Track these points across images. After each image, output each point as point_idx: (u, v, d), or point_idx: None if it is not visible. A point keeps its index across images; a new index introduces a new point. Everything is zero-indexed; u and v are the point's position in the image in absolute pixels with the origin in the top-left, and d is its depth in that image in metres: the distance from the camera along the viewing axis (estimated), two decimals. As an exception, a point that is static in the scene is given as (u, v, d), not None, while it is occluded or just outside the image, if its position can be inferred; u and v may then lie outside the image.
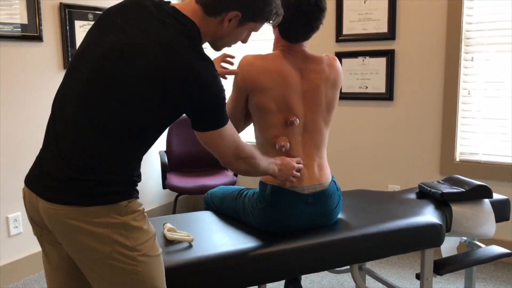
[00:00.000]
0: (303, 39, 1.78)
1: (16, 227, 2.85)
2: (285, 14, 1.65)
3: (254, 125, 1.86)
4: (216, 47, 1.47)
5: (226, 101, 1.54)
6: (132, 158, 1.32)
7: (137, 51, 1.25)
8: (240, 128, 1.89)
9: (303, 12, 1.71)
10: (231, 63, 1.83)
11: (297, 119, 1.77)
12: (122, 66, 1.25)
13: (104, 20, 1.35)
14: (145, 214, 1.37)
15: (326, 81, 1.81)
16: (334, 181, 1.92)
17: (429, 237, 1.94)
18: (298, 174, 1.75)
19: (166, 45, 1.25)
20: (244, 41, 1.48)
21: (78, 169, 1.26)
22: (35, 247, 2.98)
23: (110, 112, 1.26)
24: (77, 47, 3.09)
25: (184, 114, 1.37)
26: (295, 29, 1.74)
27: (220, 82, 1.32)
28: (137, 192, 1.35)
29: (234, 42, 1.46)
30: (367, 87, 3.34)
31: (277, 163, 1.69)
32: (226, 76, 1.80)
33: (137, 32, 1.27)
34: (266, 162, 1.62)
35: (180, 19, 1.30)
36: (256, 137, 1.88)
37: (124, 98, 1.25)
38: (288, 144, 1.78)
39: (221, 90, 1.32)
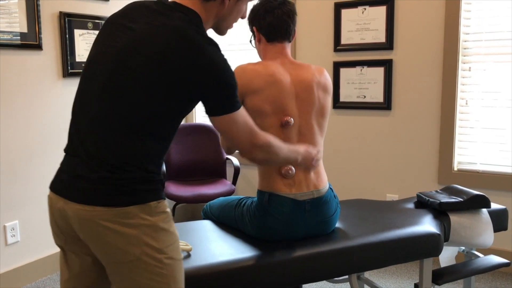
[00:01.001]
0: (286, 33, 1.89)
1: (14, 235, 2.85)
2: (266, 18, 1.84)
3: None
4: (220, 30, 1.52)
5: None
6: (158, 153, 1.35)
7: (149, 41, 1.29)
8: None
9: (278, 9, 1.86)
10: None
11: (292, 119, 1.81)
12: (138, 58, 1.28)
13: (109, 25, 1.40)
14: (172, 216, 1.40)
15: (318, 84, 1.87)
16: (331, 188, 1.93)
17: (427, 246, 1.94)
18: (319, 160, 1.78)
19: (175, 31, 1.29)
20: (244, 16, 1.53)
21: (110, 168, 1.28)
22: (33, 256, 2.97)
23: (133, 105, 1.28)
24: (76, 55, 3.10)
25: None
26: (277, 25, 1.86)
27: (229, 65, 1.36)
28: (163, 192, 1.38)
29: (236, 19, 1.51)
30: (365, 97, 3.35)
31: (299, 152, 1.66)
32: None
33: (145, 26, 1.32)
34: (286, 150, 1.59)
35: (182, 10, 1.36)
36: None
37: (144, 89, 1.28)
38: None
39: (232, 73, 1.36)
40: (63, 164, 1.38)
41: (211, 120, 1.40)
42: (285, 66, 1.86)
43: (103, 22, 3.26)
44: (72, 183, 1.31)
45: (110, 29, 1.38)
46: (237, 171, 3.54)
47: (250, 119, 1.45)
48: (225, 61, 1.34)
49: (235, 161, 3.58)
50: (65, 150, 1.40)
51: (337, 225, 2.02)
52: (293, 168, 1.82)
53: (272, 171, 1.84)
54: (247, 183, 3.88)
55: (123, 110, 1.29)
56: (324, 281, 2.88)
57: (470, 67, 3.06)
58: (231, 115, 1.38)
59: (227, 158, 3.71)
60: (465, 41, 3.05)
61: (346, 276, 2.41)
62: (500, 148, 3.01)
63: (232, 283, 1.65)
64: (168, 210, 1.38)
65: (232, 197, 2.09)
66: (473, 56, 3.04)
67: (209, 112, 1.39)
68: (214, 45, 1.33)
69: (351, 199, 2.41)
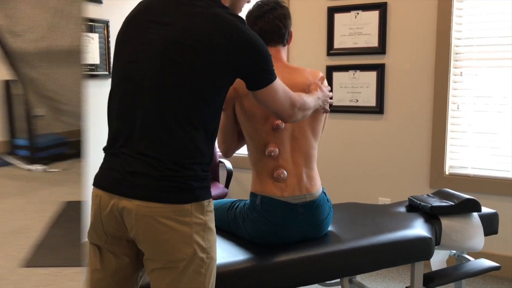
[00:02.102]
0: (279, 37, 1.88)
1: (4, 238, 2.82)
2: (258, 24, 1.85)
3: (244, 134, 1.88)
4: (234, 11, 1.54)
5: None
6: (209, 151, 1.38)
7: (191, 32, 1.31)
8: (233, 144, 1.92)
9: (269, 13, 1.86)
10: None
11: (283, 123, 1.81)
12: (184, 51, 1.30)
13: (135, 24, 1.39)
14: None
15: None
16: (324, 192, 1.93)
17: (419, 250, 1.95)
18: (332, 101, 1.87)
19: (213, 17, 1.32)
20: None
21: (171, 166, 1.30)
22: (23, 259, 2.95)
23: (186, 100, 1.30)
24: (69, 57, 3.09)
25: None
26: (268, 29, 1.86)
27: (261, 39, 1.41)
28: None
29: (245, 1, 1.56)
30: (357, 101, 3.37)
31: (319, 97, 1.77)
32: None
33: (181, 18, 1.33)
34: (312, 101, 1.68)
35: None
36: (248, 147, 1.90)
37: (195, 81, 1.30)
38: (277, 149, 1.82)
39: (265, 46, 1.40)
40: (109, 162, 1.37)
41: (254, 94, 1.44)
42: (279, 70, 1.86)
43: (96, 24, 3.26)
44: (130, 180, 1.31)
45: (140, 27, 1.38)
46: (230, 174, 3.54)
47: (284, 84, 1.50)
48: (258, 36, 1.39)
49: (228, 164, 3.58)
50: (109, 149, 1.39)
51: (330, 228, 2.03)
52: (285, 172, 1.82)
53: (265, 174, 1.84)
54: (240, 186, 3.88)
55: (177, 106, 1.30)
56: (316, 285, 2.88)
57: (461, 72, 3.08)
58: (272, 86, 1.43)
59: (220, 161, 3.71)
60: (457, 46, 3.07)
61: (338, 280, 2.41)
62: (491, 152, 3.03)
63: (224, 286, 1.65)
64: (213, 210, 1.41)
65: (225, 200, 2.09)
66: (464, 61, 3.06)
67: (252, 87, 1.43)
68: (244, 22, 1.38)
69: (344, 203, 2.42)
